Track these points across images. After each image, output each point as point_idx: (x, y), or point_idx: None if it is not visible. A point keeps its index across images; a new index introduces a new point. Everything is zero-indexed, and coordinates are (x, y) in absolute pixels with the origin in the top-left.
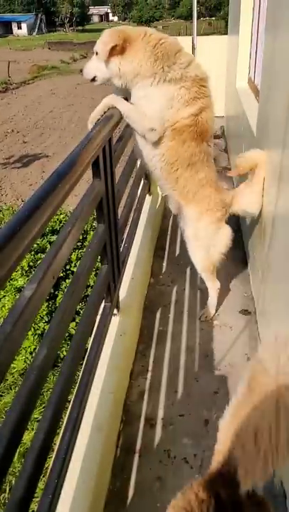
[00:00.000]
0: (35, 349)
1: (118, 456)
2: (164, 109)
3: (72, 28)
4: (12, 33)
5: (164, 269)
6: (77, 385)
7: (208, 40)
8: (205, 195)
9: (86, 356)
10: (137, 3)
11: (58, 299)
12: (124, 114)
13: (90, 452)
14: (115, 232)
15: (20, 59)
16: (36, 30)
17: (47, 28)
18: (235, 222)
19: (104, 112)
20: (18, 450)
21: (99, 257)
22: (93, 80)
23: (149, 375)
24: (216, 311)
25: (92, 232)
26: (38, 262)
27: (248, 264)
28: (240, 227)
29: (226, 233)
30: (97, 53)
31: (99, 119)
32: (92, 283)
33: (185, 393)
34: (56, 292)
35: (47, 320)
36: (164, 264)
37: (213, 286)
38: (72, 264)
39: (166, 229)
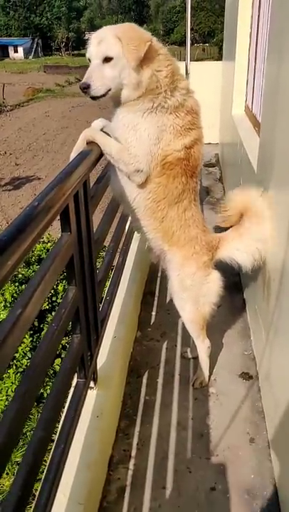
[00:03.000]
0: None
1: None
2: (152, 145)
3: (68, 52)
4: (8, 56)
5: (152, 320)
6: (37, 495)
7: (202, 66)
8: (191, 236)
9: (52, 451)
10: None
11: (43, 332)
12: (105, 151)
13: None
14: (92, 293)
15: (16, 82)
16: (32, 53)
17: (43, 52)
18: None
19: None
20: None
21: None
22: (103, 95)
23: (131, 463)
24: (212, 374)
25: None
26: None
27: (248, 313)
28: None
29: (215, 280)
30: (108, 59)
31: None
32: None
33: (175, 490)
34: (41, 325)
35: (30, 356)
36: (153, 313)
37: (203, 345)
38: (59, 296)
39: (157, 270)
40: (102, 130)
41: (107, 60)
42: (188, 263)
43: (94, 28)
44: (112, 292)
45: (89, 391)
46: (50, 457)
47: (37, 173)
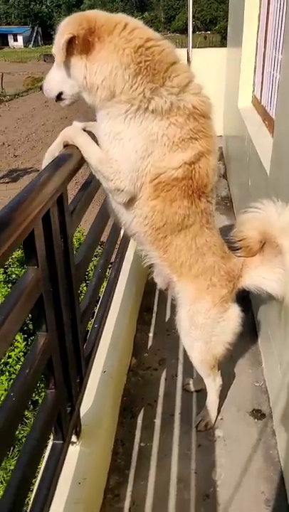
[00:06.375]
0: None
1: None
2: (139, 159)
3: None
4: (8, 45)
5: (150, 343)
6: None
7: (204, 53)
8: (206, 266)
9: None
10: (133, 17)
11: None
12: (85, 157)
13: None
14: (73, 333)
15: (15, 71)
16: (32, 42)
17: (43, 41)
18: None
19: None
20: None
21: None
22: (59, 98)
23: None
24: (218, 411)
25: None
26: None
27: (259, 337)
28: None
29: (233, 317)
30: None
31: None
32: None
33: None
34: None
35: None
36: (151, 334)
37: (213, 385)
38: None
39: (155, 282)
40: (85, 130)
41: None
42: (202, 298)
43: None
44: (102, 317)
45: (70, 447)
46: None
47: (35, 165)
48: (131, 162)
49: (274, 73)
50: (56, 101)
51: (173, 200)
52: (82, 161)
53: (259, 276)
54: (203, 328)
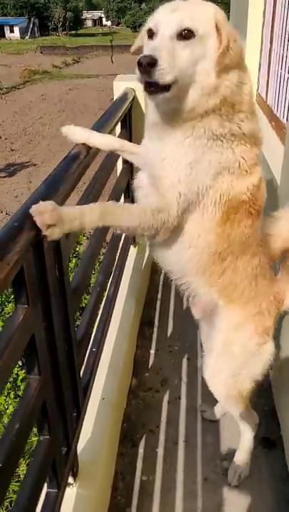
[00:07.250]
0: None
1: None
2: (204, 189)
3: (65, 32)
4: (4, 36)
5: (151, 361)
6: None
7: None
8: (258, 290)
9: None
10: (131, 9)
11: None
12: (123, 225)
13: None
14: (71, 372)
15: (12, 63)
16: (29, 33)
17: (40, 32)
18: None
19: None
20: None
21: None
22: (165, 88)
23: None
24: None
25: None
26: None
27: None
28: None
29: (268, 352)
30: (188, 34)
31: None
32: None
33: None
34: None
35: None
36: (152, 351)
37: (248, 426)
38: None
39: (156, 291)
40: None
41: (185, 35)
42: (246, 326)
43: (92, 7)
44: (101, 338)
45: (67, 489)
46: None
47: (33, 159)
48: (194, 192)
49: (282, 72)
50: (160, 91)
51: (240, 221)
52: (79, 178)
53: None
54: (236, 359)
